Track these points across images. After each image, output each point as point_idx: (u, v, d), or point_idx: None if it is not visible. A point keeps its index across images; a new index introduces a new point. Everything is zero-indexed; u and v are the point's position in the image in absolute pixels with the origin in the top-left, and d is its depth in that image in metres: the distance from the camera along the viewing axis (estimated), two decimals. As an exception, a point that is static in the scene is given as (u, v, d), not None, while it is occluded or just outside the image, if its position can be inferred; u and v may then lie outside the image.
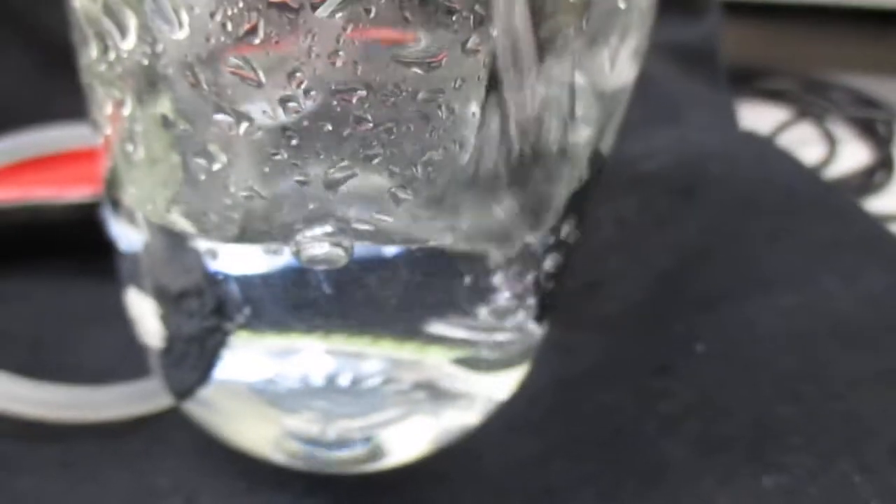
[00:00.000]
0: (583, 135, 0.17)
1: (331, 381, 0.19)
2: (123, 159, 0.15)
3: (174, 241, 0.17)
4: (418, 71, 0.12)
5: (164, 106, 0.13)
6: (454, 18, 0.12)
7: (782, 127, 0.40)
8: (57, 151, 0.29)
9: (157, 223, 0.16)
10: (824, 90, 0.43)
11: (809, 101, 0.43)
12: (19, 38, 0.32)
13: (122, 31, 0.13)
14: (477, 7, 0.12)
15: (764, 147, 0.30)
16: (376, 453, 0.21)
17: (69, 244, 0.27)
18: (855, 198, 0.37)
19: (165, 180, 0.15)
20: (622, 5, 0.14)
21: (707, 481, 0.18)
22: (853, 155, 0.40)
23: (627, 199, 0.28)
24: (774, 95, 0.44)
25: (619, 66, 0.16)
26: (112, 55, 0.13)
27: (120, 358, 0.25)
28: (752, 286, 0.23)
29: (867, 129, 0.41)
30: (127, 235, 0.18)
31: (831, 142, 0.40)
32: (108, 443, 0.22)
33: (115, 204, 0.17)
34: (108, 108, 0.15)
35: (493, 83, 0.13)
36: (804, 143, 0.41)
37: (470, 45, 0.12)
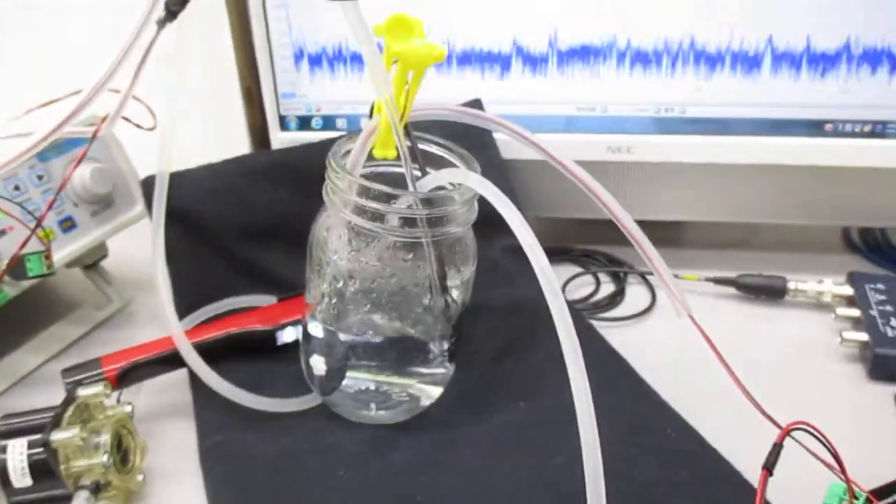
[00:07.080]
0: (461, 297, 0.56)
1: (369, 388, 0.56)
2: (317, 304, 0.53)
3: (330, 334, 0.54)
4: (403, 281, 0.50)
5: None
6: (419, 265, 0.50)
7: (574, 277, 0.80)
8: (244, 306, 0.66)
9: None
10: (595, 255, 0.84)
11: (590, 261, 0.84)
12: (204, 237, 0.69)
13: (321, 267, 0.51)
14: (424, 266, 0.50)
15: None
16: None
17: (257, 350, 0.63)
18: (604, 311, 0.76)
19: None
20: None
21: None
22: (608, 288, 0.80)
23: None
24: (570, 259, 0.84)
25: (467, 272, 0.55)
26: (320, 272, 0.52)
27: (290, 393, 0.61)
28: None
29: (615, 276, 0.81)
30: (315, 333, 0.55)
31: (597, 282, 0.80)
32: (295, 417, 0.58)
33: (313, 319, 0.55)
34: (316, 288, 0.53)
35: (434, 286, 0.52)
36: (587, 284, 0.81)
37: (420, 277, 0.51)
